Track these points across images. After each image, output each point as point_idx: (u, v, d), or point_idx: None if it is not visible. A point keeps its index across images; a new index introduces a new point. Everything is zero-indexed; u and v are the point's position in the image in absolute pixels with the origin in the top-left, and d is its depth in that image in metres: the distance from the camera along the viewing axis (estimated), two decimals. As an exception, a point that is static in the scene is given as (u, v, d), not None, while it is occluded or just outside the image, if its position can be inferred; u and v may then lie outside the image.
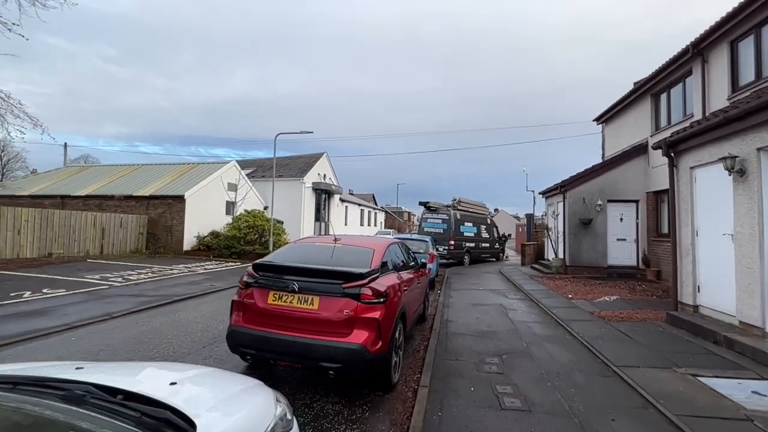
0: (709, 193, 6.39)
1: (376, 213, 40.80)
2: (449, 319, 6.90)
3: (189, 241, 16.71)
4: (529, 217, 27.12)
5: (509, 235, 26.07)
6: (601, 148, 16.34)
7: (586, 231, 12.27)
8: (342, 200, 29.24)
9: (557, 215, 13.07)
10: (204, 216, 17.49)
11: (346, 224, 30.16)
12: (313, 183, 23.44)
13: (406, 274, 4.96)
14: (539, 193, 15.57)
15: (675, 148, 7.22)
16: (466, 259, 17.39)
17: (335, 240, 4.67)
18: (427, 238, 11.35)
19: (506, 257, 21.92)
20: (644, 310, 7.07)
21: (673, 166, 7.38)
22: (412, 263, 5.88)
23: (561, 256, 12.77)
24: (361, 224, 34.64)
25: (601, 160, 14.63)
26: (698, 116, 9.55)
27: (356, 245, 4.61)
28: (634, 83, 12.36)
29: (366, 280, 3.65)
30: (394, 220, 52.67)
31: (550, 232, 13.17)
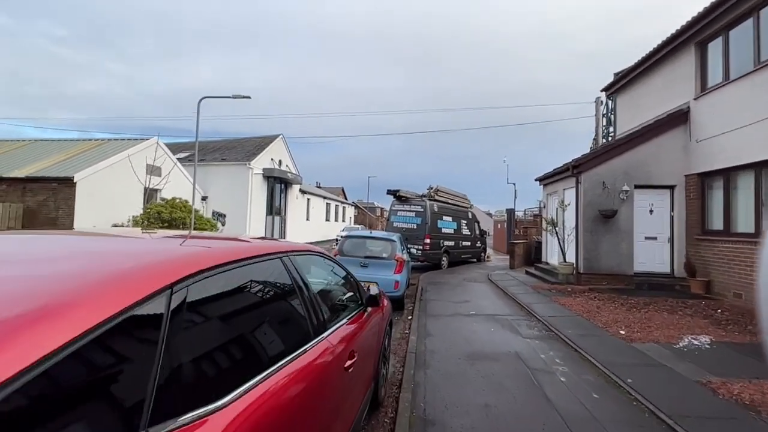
0: None
1: (345, 207, 36.72)
2: (429, 403, 3.16)
3: (80, 239, 12.13)
4: (510, 212, 24.02)
5: (487, 233, 22.92)
6: (599, 138, 13.21)
7: (606, 227, 8.93)
8: (303, 192, 25.00)
9: (567, 206, 9.69)
10: (107, 206, 12.89)
11: (308, 219, 25.95)
12: (264, 169, 19.16)
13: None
14: (536, 180, 12.23)
15: None
16: (444, 261, 13.82)
17: None
18: (395, 237, 7.63)
19: (488, 257, 18.61)
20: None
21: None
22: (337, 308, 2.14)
23: (571, 259, 9.40)
24: (327, 219, 30.49)
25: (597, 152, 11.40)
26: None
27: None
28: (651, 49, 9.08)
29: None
30: (366, 215, 48.83)
31: (556, 229, 9.77)
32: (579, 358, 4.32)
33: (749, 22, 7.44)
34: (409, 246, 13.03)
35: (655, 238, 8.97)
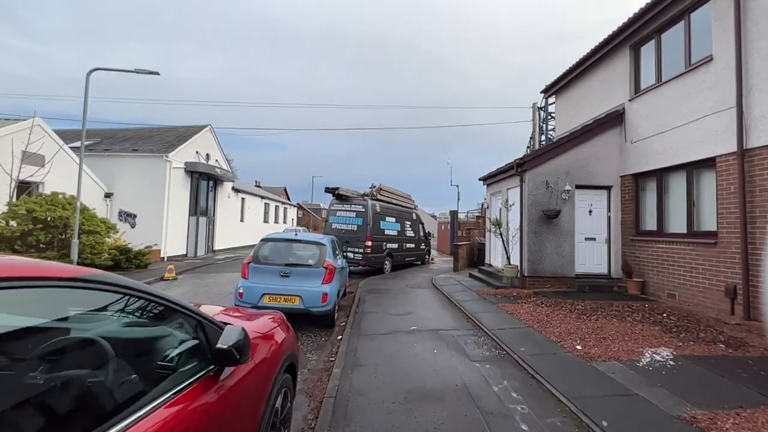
0: None
1: (286, 208, 34.38)
2: None
3: None
4: (453, 214, 23.95)
5: (432, 234, 22.59)
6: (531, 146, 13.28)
7: (550, 228, 8.57)
8: (237, 190, 22.53)
9: (511, 206, 9.22)
10: (-44, 202, 9.87)
11: (242, 220, 23.50)
12: (186, 163, 16.62)
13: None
14: (480, 179, 11.79)
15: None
16: (387, 264, 12.84)
17: None
18: (325, 240, 6.37)
19: (432, 260, 18.10)
20: None
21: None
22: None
23: (515, 262, 8.92)
24: (266, 221, 28.10)
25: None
26: (722, 57, 6.31)
27: None
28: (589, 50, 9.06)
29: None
30: (311, 217, 46.64)
31: (501, 230, 9.25)
32: (539, 389, 3.47)
33: (680, 26, 7.47)
34: (349, 249, 11.85)
35: (594, 239, 8.83)
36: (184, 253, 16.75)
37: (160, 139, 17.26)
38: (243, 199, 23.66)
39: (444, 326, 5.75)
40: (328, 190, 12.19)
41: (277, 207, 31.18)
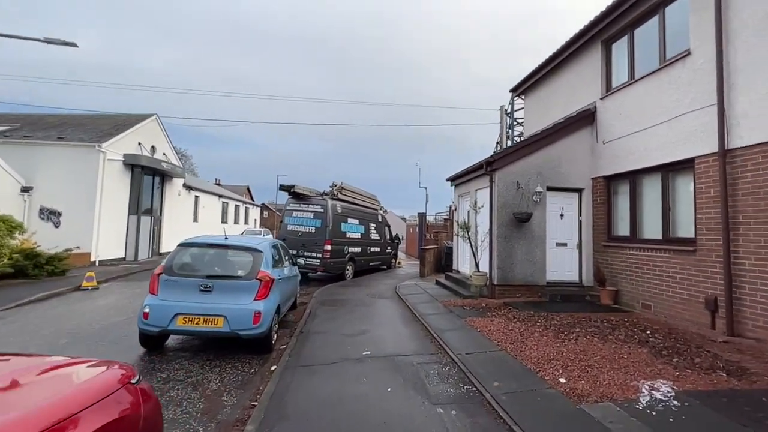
0: None
1: (248, 208, 32.32)
2: None
3: None
4: (422, 216, 23.28)
5: (400, 238, 21.77)
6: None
7: (521, 232, 7.88)
8: (189, 187, 20.48)
9: (480, 208, 8.46)
10: None
11: (195, 220, 21.46)
12: (126, 155, 14.59)
13: None
14: (447, 179, 11.00)
15: None
16: (349, 270, 11.76)
17: None
18: (263, 245, 5.18)
19: (399, 263, 17.22)
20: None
21: None
22: None
23: (484, 269, 8.16)
24: (224, 221, 26.07)
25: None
26: (700, 51, 5.83)
27: None
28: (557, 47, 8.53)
29: None
30: (276, 217, 44.45)
31: (469, 234, 8.46)
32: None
33: (654, 20, 7.02)
34: (305, 253, 10.65)
35: (566, 245, 8.26)
36: (122, 256, 14.73)
37: (93, 128, 15.10)
38: (197, 197, 21.65)
39: (403, 350, 4.77)
40: (283, 187, 10.91)
41: (237, 207, 29.16)
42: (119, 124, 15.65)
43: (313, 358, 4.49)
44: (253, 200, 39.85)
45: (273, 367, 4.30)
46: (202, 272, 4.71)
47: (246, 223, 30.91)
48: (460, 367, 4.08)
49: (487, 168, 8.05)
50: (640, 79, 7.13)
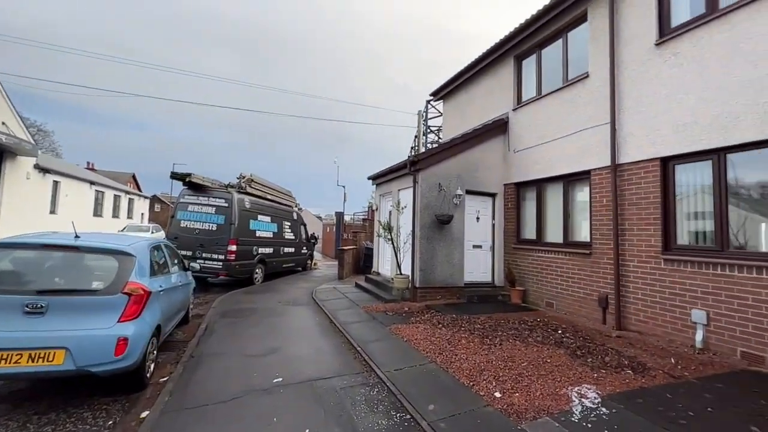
0: None
1: (133, 200, 27.06)
2: None
3: None
4: (339, 215, 22.57)
5: (317, 237, 20.68)
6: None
7: (442, 234, 7.84)
8: (45, 170, 15.98)
9: (403, 208, 8.19)
10: None
11: (53, 212, 16.88)
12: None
13: None
14: (369, 178, 10.55)
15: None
16: (259, 273, 10.40)
17: None
18: (133, 248, 3.85)
19: (315, 264, 16.21)
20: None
21: None
22: None
23: (407, 271, 7.90)
24: (98, 214, 21.23)
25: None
26: (597, 75, 6.48)
27: None
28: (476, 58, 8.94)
29: None
30: (171, 212, 38.48)
31: (392, 235, 8.11)
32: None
33: (559, 42, 7.66)
34: (204, 255, 8.99)
35: (481, 247, 8.53)
36: None
37: None
38: (56, 182, 17.10)
39: (323, 371, 4.03)
40: (175, 176, 9.02)
41: (118, 197, 24.19)
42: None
43: (205, 393, 3.45)
44: (140, 190, 33.68)
45: (144, 414, 3.14)
46: (31, 286, 3.23)
47: (130, 217, 25.85)
48: (390, 388, 3.55)
49: (411, 168, 7.81)
50: (546, 95, 7.70)
